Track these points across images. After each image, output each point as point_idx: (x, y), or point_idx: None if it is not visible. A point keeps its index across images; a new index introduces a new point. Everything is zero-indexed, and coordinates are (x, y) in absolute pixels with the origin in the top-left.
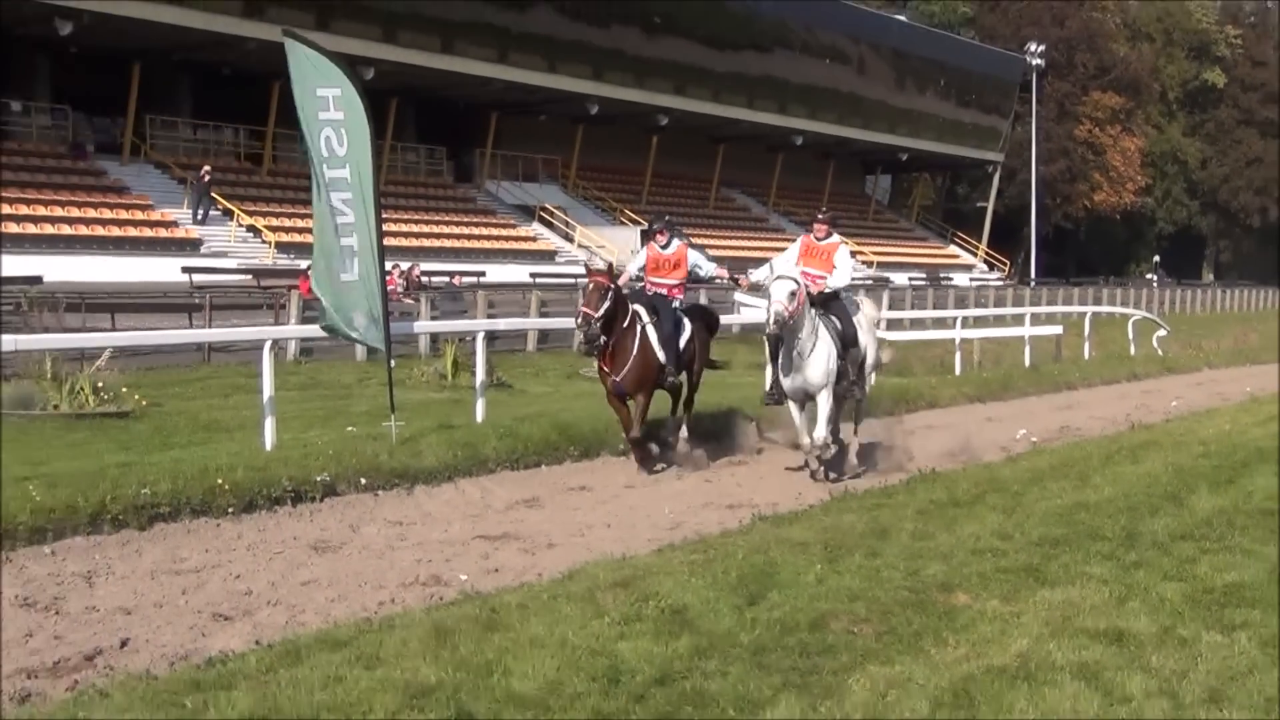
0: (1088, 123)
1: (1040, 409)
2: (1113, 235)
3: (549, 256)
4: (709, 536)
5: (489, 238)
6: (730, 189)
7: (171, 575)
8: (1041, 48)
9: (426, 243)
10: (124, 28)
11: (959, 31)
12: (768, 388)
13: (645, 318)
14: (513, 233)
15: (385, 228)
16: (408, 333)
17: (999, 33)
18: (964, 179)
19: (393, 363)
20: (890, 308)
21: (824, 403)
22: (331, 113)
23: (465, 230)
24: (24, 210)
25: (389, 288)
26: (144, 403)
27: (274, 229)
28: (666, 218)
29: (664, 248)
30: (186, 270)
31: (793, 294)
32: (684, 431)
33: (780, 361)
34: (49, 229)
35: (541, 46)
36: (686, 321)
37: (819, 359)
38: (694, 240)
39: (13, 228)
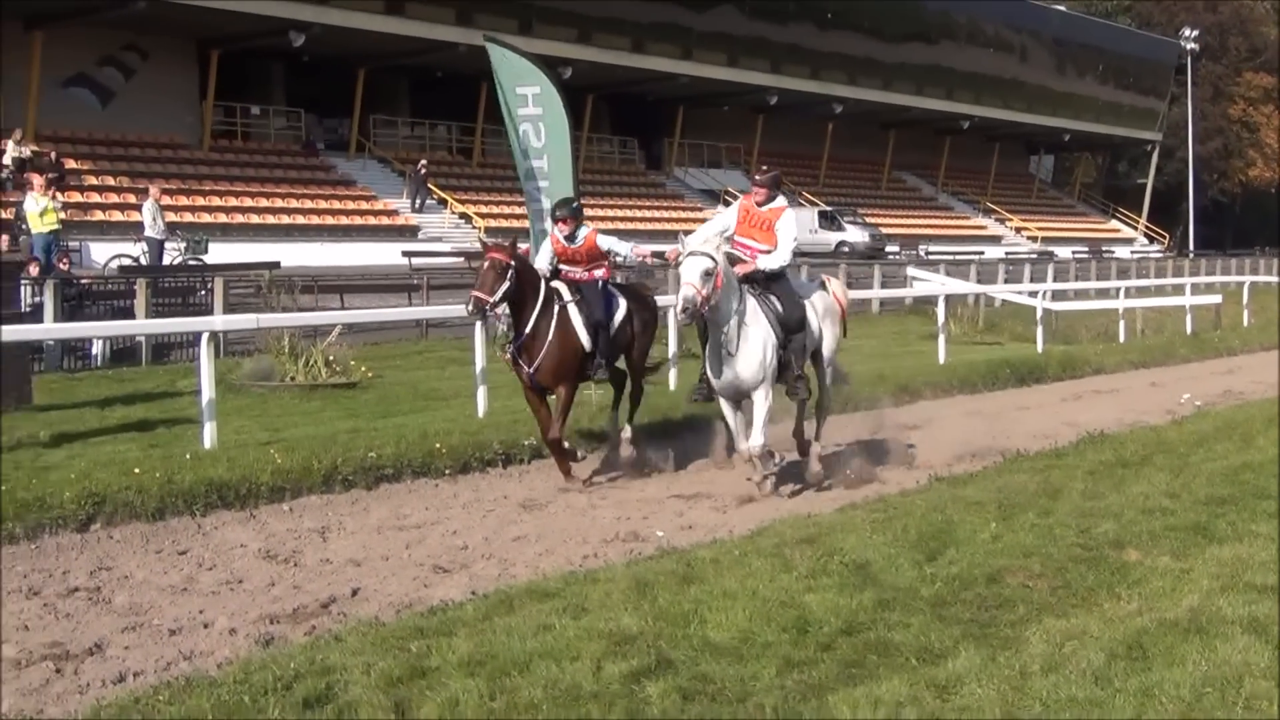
0: (1241, 102)
1: (1202, 374)
2: (1268, 208)
3: None
4: (888, 496)
5: (678, 220)
6: (901, 171)
7: (396, 531)
8: (1195, 32)
9: (620, 225)
10: (350, 38)
11: (1116, 19)
12: (698, 381)
13: (566, 295)
14: (699, 215)
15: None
16: None
17: (1154, 19)
18: (1124, 157)
19: None
20: (1055, 279)
21: (760, 402)
22: (530, 108)
23: (655, 213)
24: (263, 203)
25: None
26: (369, 374)
27: (483, 215)
28: (575, 203)
29: (569, 239)
30: (406, 254)
31: (708, 273)
32: (627, 432)
33: (708, 353)
34: (285, 219)
35: (723, 44)
36: (621, 300)
37: (752, 350)
38: (868, 219)
39: (254, 218)
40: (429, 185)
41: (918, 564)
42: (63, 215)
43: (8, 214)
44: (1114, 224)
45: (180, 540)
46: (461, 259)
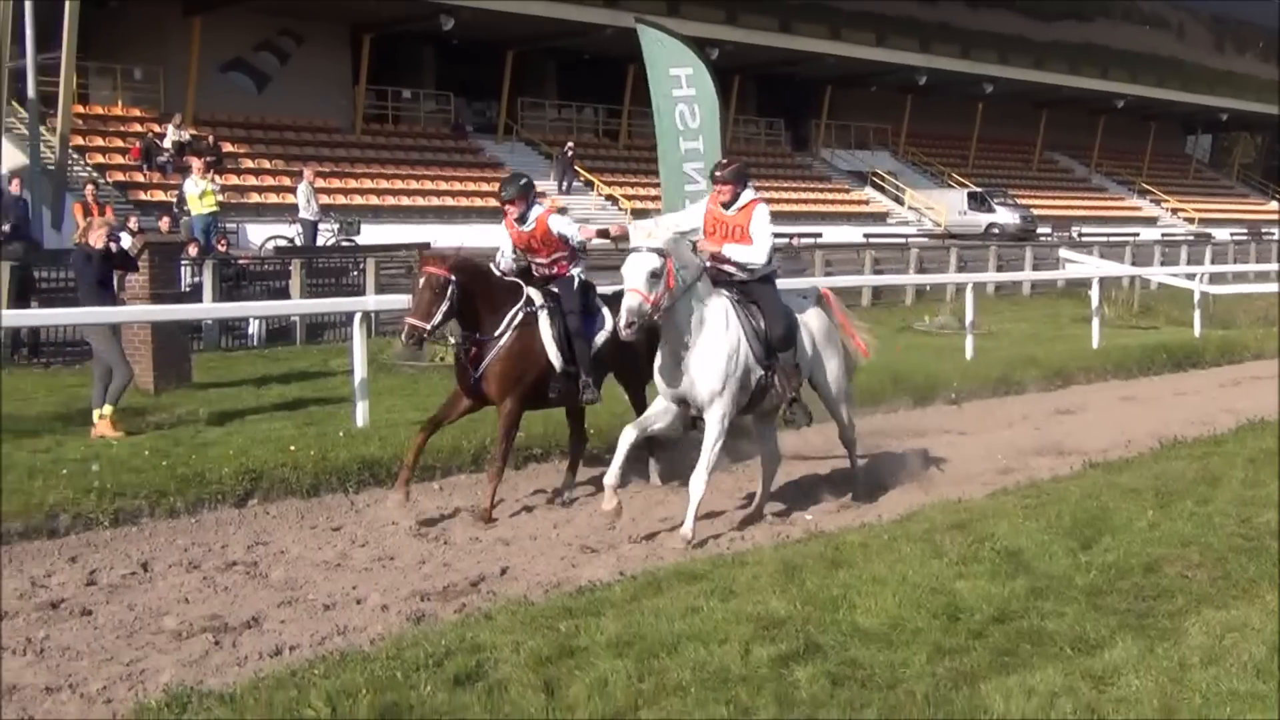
0: None
1: None
2: None
3: (881, 218)
4: (1040, 482)
5: (824, 201)
6: (1053, 152)
7: (544, 510)
8: None
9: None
10: (498, 21)
11: None
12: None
13: (537, 300)
14: (846, 197)
15: None
16: None
17: None
18: None
19: None
20: (1212, 262)
21: (711, 424)
22: (684, 90)
23: (802, 195)
24: (413, 185)
25: None
26: None
27: (629, 197)
28: (522, 180)
29: (521, 222)
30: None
31: (655, 274)
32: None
33: (659, 364)
34: (434, 201)
35: (872, 23)
36: (606, 313)
37: (712, 354)
38: (1019, 200)
39: (404, 200)
40: (575, 167)
41: (1072, 552)
42: (221, 198)
43: (169, 196)
44: (1274, 205)
45: (334, 517)
46: (607, 240)
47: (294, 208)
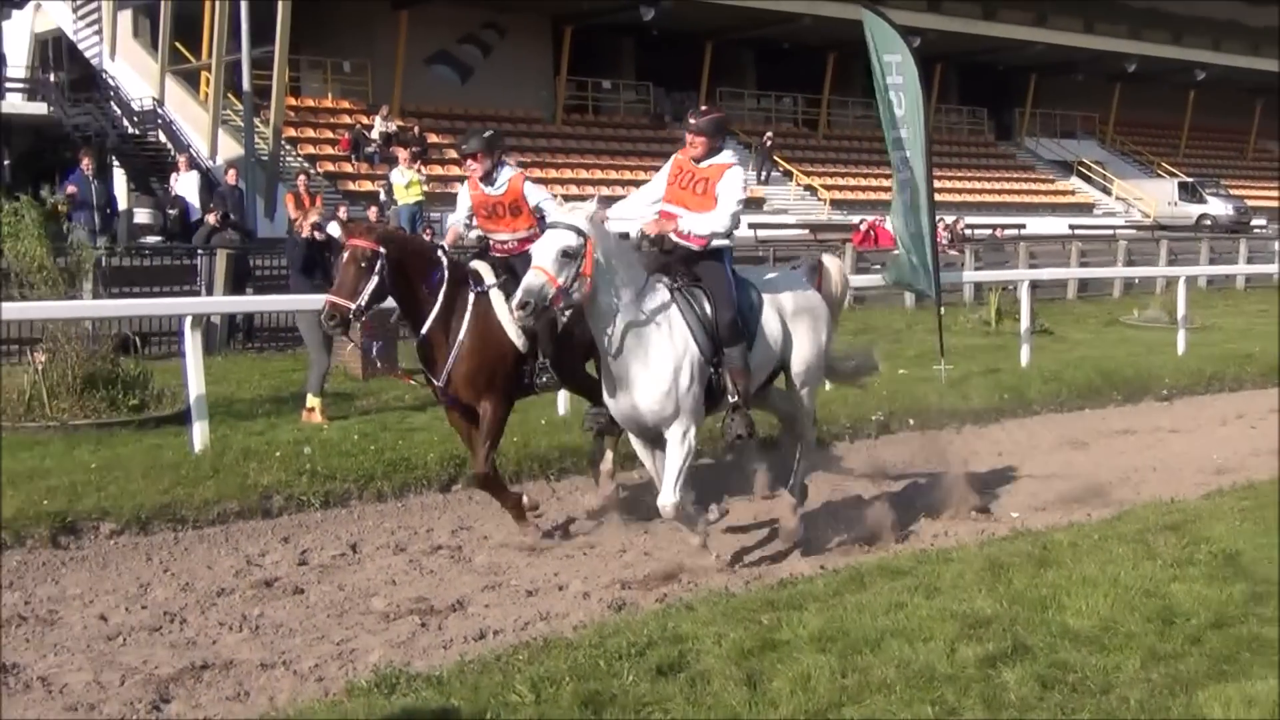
0: None
1: None
2: None
3: (1087, 209)
4: (1259, 483)
5: (1028, 192)
6: (1269, 140)
7: (745, 502)
8: None
9: (969, 197)
10: (697, 11)
11: None
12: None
13: (488, 279)
14: (1051, 187)
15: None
16: (955, 282)
17: None
18: None
19: (942, 310)
20: None
21: (674, 445)
22: (894, 77)
23: (1006, 185)
24: (613, 174)
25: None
26: None
27: (829, 188)
28: (487, 132)
29: (488, 183)
30: (752, 226)
31: (568, 254)
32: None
33: (602, 371)
34: (632, 190)
35: (1079, 9)
36: None
37: (656, 370)
38: (1232, 191)
39: (604, 190)
40: (774, 158)
41: None
42: (426, 188)
43: (376, 186)
44: None
45: (536, 503)
46: (806, 231)
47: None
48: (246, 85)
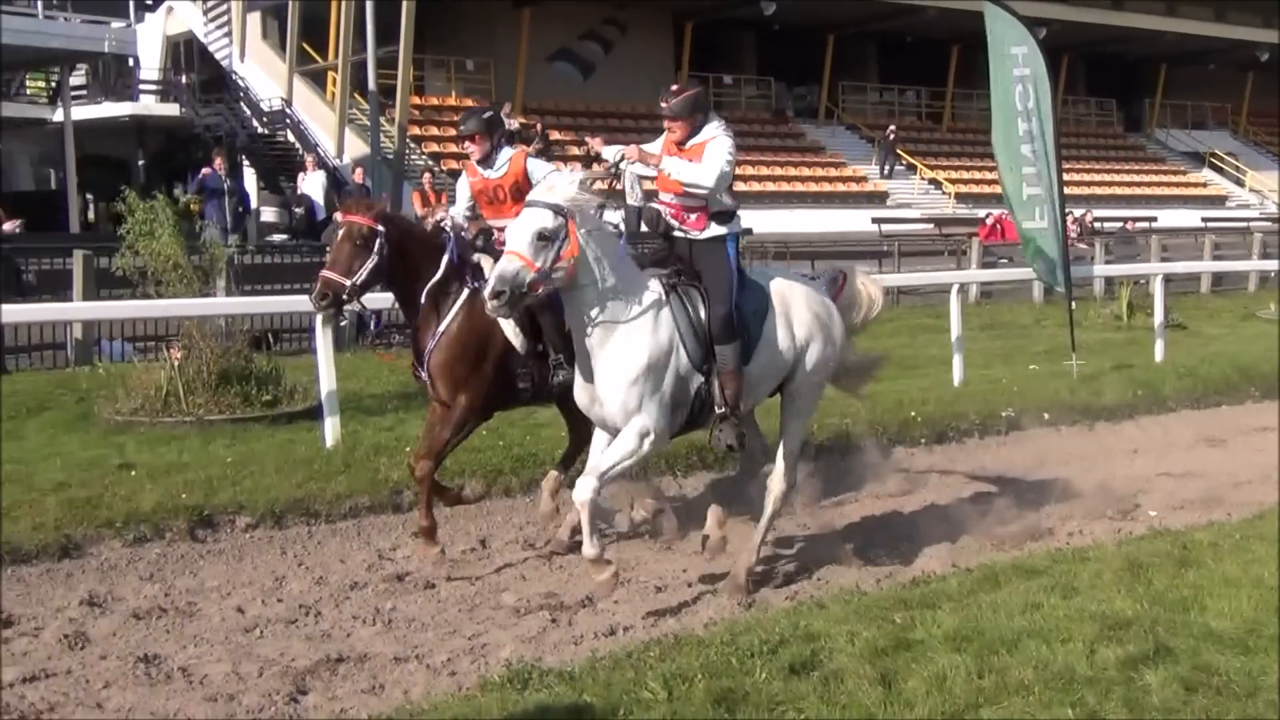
0: None
1: None
2: None
3: (1219, 201)
4: None
5: (1159, 184)
6: None
7: (871, 500)
8: None
9: (1098, 190)
10: (819, 6)
11: None
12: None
13: (489, 272)
14: (1183, 179)
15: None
16: (1086, 276)
17: None
18: None
19: (1072, 304)
20: None
21: (625, 436)
22: (1021, 68)
23: (1136, 178)
24: (736, 170)
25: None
26: None
27: (953, 181)
28: (486, 113)
29: (486, 165)
30: (876, 221)
31: (545, 236)
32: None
33: (576, 356)
34: (756, 186)
35: None
36: None
37: (622, 363)
38: None
39: None
40: (897, 151)
41: None
42: None
43: None
44: None
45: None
46: (931, 225)
47: (620, 194)
48: (372, 85)
